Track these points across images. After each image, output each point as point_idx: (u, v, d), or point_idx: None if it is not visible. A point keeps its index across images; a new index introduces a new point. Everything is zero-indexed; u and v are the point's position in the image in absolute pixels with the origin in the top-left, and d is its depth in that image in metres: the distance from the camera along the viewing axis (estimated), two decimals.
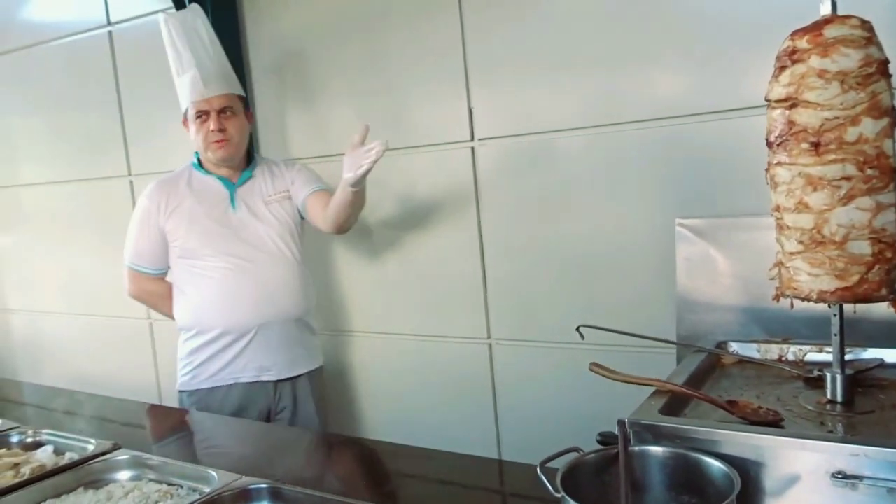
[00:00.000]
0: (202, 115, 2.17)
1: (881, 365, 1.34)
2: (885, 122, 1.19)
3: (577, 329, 1.61)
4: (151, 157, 2.97)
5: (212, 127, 2.15)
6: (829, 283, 1.21)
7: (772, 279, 1.30)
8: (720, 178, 1.92)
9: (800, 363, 1.45)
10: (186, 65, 2.19)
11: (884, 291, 1.21)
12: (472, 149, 2.25)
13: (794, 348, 1.47)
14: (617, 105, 2.02)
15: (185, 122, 2.25)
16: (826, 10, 1.20)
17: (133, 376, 3.17)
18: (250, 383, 2.21)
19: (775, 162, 1.25)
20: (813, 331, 1.50)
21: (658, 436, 1.14)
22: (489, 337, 2.33)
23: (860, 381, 1.29)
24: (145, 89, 2.90)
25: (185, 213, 2.20)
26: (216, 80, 2.20)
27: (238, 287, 2.17)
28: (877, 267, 1.20)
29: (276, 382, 2.23)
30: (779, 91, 1.23)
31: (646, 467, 1.13)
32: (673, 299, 1.85)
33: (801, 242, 1.24)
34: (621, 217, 2.06)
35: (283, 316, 2.21)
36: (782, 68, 1.23)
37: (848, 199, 1.20)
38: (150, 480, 1.41)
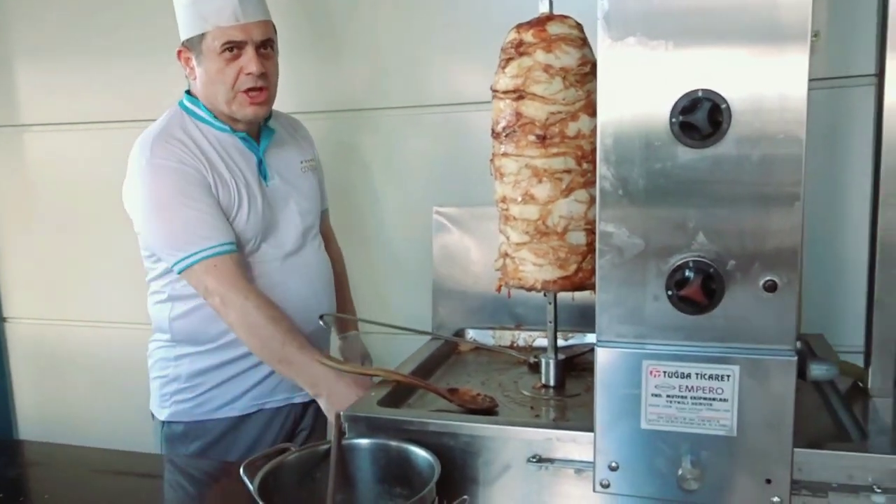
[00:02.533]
0: (232, 47, 1.47)
1: (594, 349, 1.42)
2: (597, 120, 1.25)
3: (321, 318, 1.56)
4: None
5: (251, 68, 1.47)
6: (551, 273, 1.26)
7: (497, 270, 1.33)
8: (479, 167, 1.96)
9: (528, 349, 1.50)
10: None
11: (594, 279, 1.27)
12: None
13: (524, 334, 1.53)
14: (378, 91, 2.00)
15: (184, 55, 1.54)
16: (544, 8, 1.23)
17: None
18: (276, 409, 1.62)
19: (501, 153, 1.27)
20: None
21: (374, 428, 1.11)
22: None
23: (575, 365, 1.37)
24: None
25: (228, 186, 1.51)
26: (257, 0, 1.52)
27: (285, 284, 1.56)
28: (589, 256, 1.26)
29: (306, 402, 1.66)
30: (506, 82, 1.24)
31: (357, 461, 1.09)
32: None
33: (526, 233, 1.26)
34: (387, 203, 2.05)
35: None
36: (509, 60, 1.24)
37: (568, 191, 1.25)
38: None
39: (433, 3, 1.92)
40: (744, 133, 0.88)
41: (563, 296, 1.33)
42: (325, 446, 1.08)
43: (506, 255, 1.30)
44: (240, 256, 1.50)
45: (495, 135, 1.26)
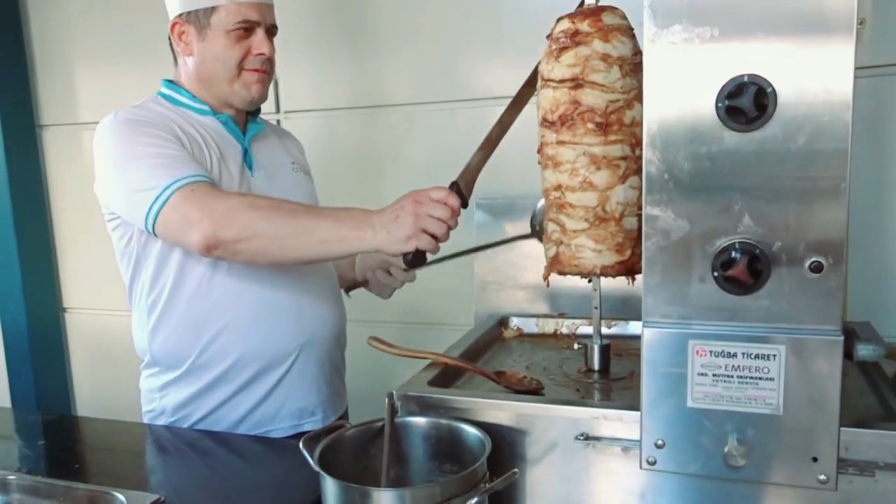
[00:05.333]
0: (246, 27, 1.41)
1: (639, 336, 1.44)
2: None
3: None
4: None
5: (263, 49, 1.41)
6: (610, 258, 1.26)
7: (551, 257, 1.34)
8: (517, 159, 2.00)
9: (571, 336, 1.53)
10: None
11: None
12: (278, 121, 2.19)
13: (567, 322, 1.56)
14: (414, 87, 2.06)
15: (179, 29, 1.43)
16: (589, 0, 1.25)
17: None
18: (284, 439, 1.43)
19: (556, 141, 1.27)
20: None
21: (424, 407, 1.15)
22: None
23: (619, 351, 1.39)
24: None
25: (205, 154, 1.40)
26: None
27: (271, 291, 1.42)
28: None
29: None
30: (562, 71, 1.25)
31: (409, 438, 1.13)
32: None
33: (585, 220, 1.27)
34: None
35: (328, 331, 1.51)
36: (563, 49, 1.25)
37: (624, 178, 1.26)
38: None
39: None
40: (789, 118, 0.90)
41: (607, 284, 1.35)
42: (380, 423, 1.12)
43: (560, 242, 1.31)
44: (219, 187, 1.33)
45: (549, 123, 1.26)
